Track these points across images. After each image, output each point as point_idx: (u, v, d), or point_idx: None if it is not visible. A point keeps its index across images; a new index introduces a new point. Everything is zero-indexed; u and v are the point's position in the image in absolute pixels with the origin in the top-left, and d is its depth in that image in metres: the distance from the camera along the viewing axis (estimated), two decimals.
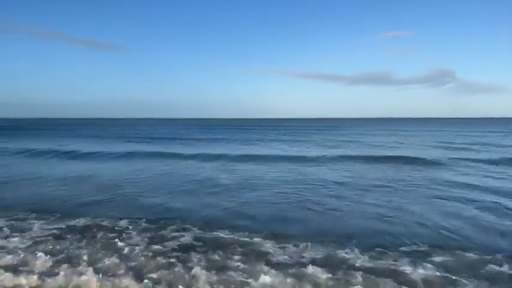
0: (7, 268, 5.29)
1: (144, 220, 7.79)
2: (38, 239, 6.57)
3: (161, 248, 6.16)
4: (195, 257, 5.75)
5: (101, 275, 5.02)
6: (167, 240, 6.53)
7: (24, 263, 5.49)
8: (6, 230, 7.07)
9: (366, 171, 14.29)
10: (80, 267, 5.29)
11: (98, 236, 6.71)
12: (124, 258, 5.70)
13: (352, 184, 11.51)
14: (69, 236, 6.72)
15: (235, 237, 6.63)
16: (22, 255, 5.75)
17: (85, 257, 5.67)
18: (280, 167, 15.73)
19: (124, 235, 6.78)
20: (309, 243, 6.32)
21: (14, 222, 7.62)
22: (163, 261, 5.58)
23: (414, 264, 5.47)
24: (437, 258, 5.72)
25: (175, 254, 5.89)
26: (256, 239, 6.54)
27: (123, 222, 7.58)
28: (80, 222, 7.63)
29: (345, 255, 5.82)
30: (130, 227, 7.32)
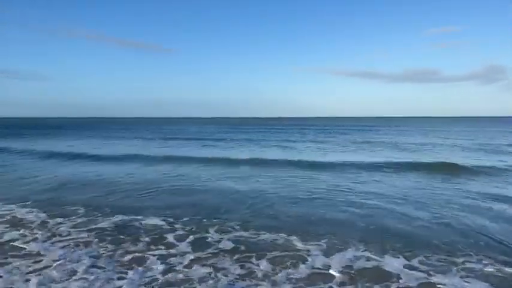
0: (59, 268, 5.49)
1: (187, 219, 8.07)
2: (81, 239, 6.81)
3: (202, 253, 6.16)
4: (234, 264, 5.67)
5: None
6: (210, 245, 6.54)
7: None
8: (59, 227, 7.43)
9: (391, 180, 13.50)
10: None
11: (141, 238, 6.83)
12: (166, 263, 5.77)
13: (385, 195, 10.75)
14: (110, 236, 6.95)
15: (276, 240, 6.62)
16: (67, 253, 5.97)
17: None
18: (309, 174, 15.42)
19: (170, 236, 6.94)
20: (350, 250, 6.20)
21: (67, 219, 7.99)
22: (203, 269, 5.53)
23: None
24: (490, 271, 5.41)
25: (215, 259, 5.87)
26: (300, 245, 6.46)
27: (170, 221, 7.81)
28: (124, 219, 7.90)
29: (391, 269, 5.55)
30: (176, 226, 7.53)
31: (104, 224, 7.73)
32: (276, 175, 14.31)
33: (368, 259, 5.86)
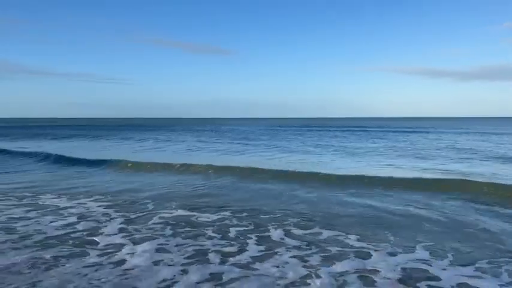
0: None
1: (246, 214, 8.61)
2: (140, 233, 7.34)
3: (263, 249, 6.44)
4: (293, 260, 5.90)
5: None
6: (270, 241, 6.81)
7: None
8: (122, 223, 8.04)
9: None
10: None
11: (206, 233, 7.29)
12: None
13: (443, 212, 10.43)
14: (177, 230, 7.41)
15: (334, 239, 6.75)
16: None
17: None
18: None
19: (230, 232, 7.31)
20: (409, 253, 6.19)
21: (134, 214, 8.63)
22: (265, 264, 5.80)
23: None
24: None
25: (275, 256, 6.10)
26: (364, 244, 6.57)
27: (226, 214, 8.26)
28: (189, 214, 8.37)
29: (438, 273, 5.47)
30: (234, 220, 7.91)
31: (170, 219, 8.27)
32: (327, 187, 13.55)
33: (423, 262, 5.84)
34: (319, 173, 14.08)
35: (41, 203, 9.81)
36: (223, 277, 5.26)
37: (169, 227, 7.69)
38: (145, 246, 6.54)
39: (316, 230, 7.51)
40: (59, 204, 9.61)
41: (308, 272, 5.44)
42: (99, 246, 6.56)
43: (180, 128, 73.51)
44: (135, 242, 6.75)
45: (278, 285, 5.04)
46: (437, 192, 11.00)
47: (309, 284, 5.09)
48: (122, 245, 6.59)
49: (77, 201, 9.98)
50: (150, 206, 9.47)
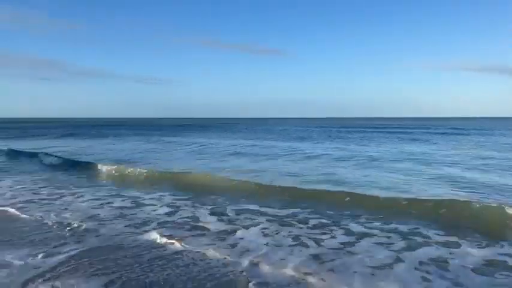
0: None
1: (311, 210, 9.10)
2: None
3: (349, 238, 7.29)
4: (379, 247, 6.67)
5: None
6: (351, 232, 7.59)
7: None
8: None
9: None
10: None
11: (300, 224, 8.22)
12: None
13: None
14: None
15: (412, 231, 7.35)
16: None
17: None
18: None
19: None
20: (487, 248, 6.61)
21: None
22: (354, 249, 6.67)
23: None
24: None
25: (360, 244, 6.90)
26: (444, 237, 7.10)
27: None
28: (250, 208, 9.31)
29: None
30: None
31: (248, 211, 9.26)
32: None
33: (509, 256, 6.21)
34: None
35: (127, 195, 11.23)
36: (323, 258, 6.25)
37: (258, 215, 8.79)
38: (251, 230, 7.73)
39: (394, 225, 8.07)
40: (142, 196, 11.01)
41: (394, 256, 6.30)
42: (211, 230, 7.78)
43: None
44: (241, 227, 7.92)
45: (368, 266, 5.90)
46: None
47: (395, 265, 5.94)
48: (232, 230, 7.78)
49: (154, 195, 11.23)
50: (221, 200, 10.48)
